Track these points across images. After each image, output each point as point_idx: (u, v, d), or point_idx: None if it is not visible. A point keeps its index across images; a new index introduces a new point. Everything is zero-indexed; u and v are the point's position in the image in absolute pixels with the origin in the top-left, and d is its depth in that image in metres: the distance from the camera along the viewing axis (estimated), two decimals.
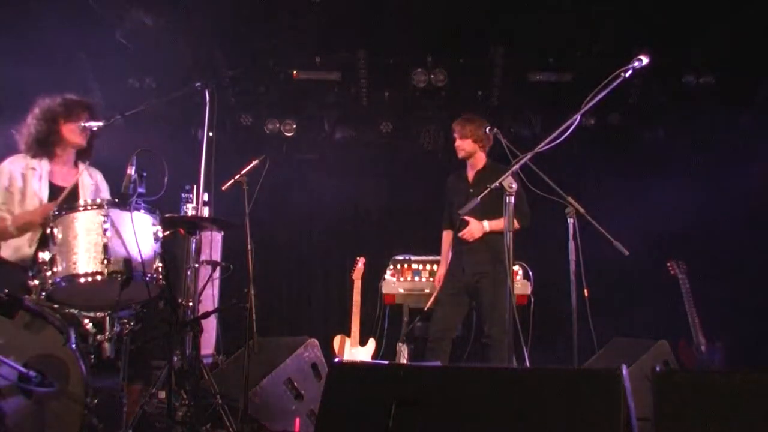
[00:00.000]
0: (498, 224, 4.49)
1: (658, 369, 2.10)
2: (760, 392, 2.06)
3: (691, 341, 5.16)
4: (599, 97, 3.23)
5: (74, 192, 3.69)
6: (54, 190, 3.61)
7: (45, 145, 3.63)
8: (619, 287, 6.42)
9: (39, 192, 3.55)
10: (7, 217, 3.46)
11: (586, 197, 3.75)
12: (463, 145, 4.70)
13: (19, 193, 3.53)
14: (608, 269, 5.03)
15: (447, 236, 4.92)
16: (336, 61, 6.32)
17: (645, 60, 3.18)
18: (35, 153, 3.62)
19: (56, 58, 5.45)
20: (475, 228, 4.54)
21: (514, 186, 3.46)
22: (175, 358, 3.48)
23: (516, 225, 4.53)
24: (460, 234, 4.58)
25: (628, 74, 3.19)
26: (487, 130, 4.43)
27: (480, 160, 4.74)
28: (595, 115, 6.41)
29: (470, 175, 4.77)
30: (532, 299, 5.13)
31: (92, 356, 2.93)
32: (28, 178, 3.55)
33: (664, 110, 6.44)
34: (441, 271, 4.88)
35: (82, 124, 3.65)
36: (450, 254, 4.80)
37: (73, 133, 3.67)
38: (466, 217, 4.49)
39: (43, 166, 3.61)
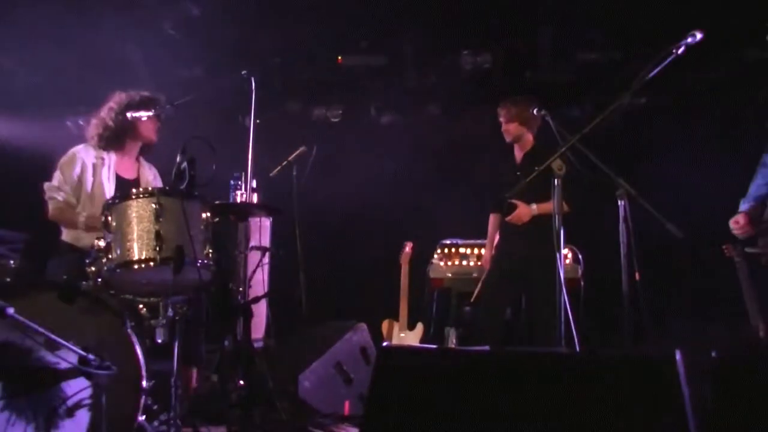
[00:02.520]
0: (547, 207, 4.36)
1: (714, 355, 2.04)
2: None
3: (748, 326, 5.01)
4: (651, 75, 3.13)
5: (136, 185, 3.83)
6: (120, 182, 3.74)
7: (118, 138, 3.77)
8: (673, 269, 6.26)
9: (107, 183, 3.69)
10: (82, 213, 3.61)
11: (637, 178, 3.65)
12: (510, 129, 4.63)
13: (88, 183, 3.67)
14: (660, 252, 4.92)
15: (494, 219, 4.88)
16: (381, 46, 6.29)
17: (699, 35, 3.06)
18: (105, 145, 3.76)
19: (107, 51, 5.56)
20: (524, 212, 4.47)
21: (564, 168, 3.40)
22: (227, 343, 3.55)
23: (565, 208, 4.46)
24: (507, 218, 4.52)
25: (680, 51, 3.08)
26: (535, 111, 4.35)
27: (528, 142, 4.67)
28: (647, 94, 6.24)
29: (518, 157, 4.71)
30: (582, 283, 5.05)
31: (146, 340, 3.01)
32: (98, 168, 3.69)
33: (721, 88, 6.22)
34: (487, 253, 4.86)
35: (143, 115, 3.75)
36: (496, 237, 4.76)
37: (148, 128, 3.83)
38: (515, 201, 4.44)
39: (111, 157, 3.75)
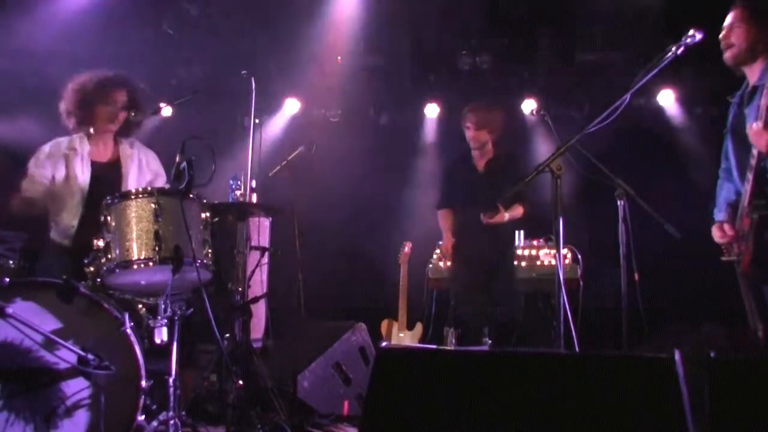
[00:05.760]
0: (515, 214, 4.62)
1: (713, 355, 2.04)
2: None
3: (747, 327, 5.01)
4: (649, 76, 3.13)
5: (117, 166, 3.76)
6: (96, 167, 3.68)
7: (83, 123, 3.70)
8: (671, 270, 6.26)
9: (80, 174, 3.62)
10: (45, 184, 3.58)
11: (636, 179, 3.66)
12: (480, 136, 4.68)
13: (60, 175, 3.61)
14: (659, 252, 4.92)
15: (446, 215, 4.91)
16: (380, 46, 6.30)
17: (698, 36, 3.06)
18: (74, 130, 3.70)
19: (104, 52, 5.56)
20: (501, 217, 4.59)
21: (563, 168, 3.40)
22: (226, 343, 3.55)
23: (521, 211, 4.55)
24: (488, 219, 4.55)
25: (680, 51, 3.08)
26: (534, 112, 4.40)
27: (489, 150, 4.74)
28: (644, 95, 6.25)
29: (480, 164, 4.74)
30: (581, 283, 5.06)
31: (145, 340, 3.01)
32: (70, 159, 3.64)
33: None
34: (448, 244, 4.91)
35: (120, 109, 3.69)
36: (451, 233, 4.80)
37: (107, 114, 3.70)
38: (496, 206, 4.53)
39: (84, 147, 3.68)
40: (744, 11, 3.11)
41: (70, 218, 3.59)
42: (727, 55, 3.15)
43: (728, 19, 3.16)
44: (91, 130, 3.71)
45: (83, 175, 3.65)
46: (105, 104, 3.70)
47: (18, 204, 3.56)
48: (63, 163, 3.64)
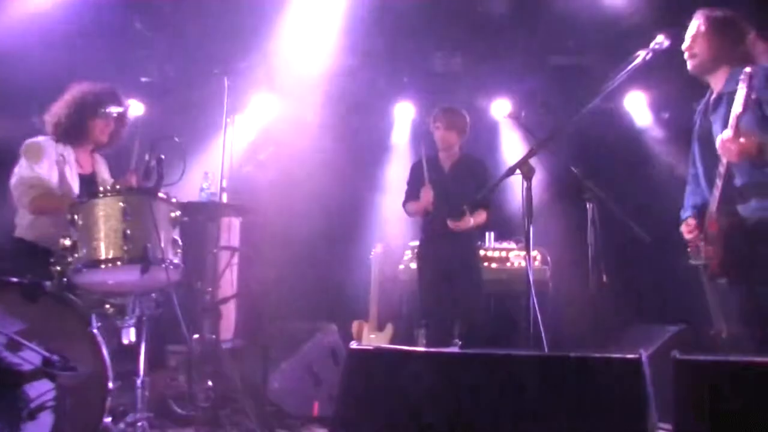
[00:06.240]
0: (479, 221, 4.63)
1: (678, 356, 2.08)
2: None
3: (711, 327, 5.10)
4: (619, 80, 3.18)
5: (93, 179, 3.74)
6: (81, 178, 3.65)
7: (71, 135, 3.64)
8: (638, 272, 6.36)
9: (72, 181, 3.58)
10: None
11: (605, 182, 3.71)
12: (450, 137, 4.70)
13: (54, 179, 3.53)
14: (627, 254, 4.99)
15: (412, 203, 4.88)
16: (354, 47, 6.29)
17: (666, 42, 3.12)
18: (60, 139, 3.63)
19: (76, 46, 5.48)
20: (466, 223, 4.57)
21: (533, 171, 3.43)
22: (195, 343, 3.52)
23: (485, 216, 4.59)
24: (454, 224, 4.57)
25: (648, 57, 3.13)
26: (507, 115, 4.43)
27: (456, 153, 4.76)
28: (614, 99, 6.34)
29: (446, 165, 4.78)
30: (550, 285, 5.10)
31: (113, 340, 2.97)
32: (61, 165, 3.59)
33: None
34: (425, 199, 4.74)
35: (105, 111, 3.64)
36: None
37: (99, 129, 3.68)
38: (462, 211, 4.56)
39: (70, 154, 3.64)
40: (705, 22, 3.17)
41: (53, 225, 3.47)
42: (691, 65, 3.22)
43: (691, 29, 3.22)
44: (81, 142, 3.67)
45: (74, 184, 3.60)
46: (100, 118, 3.66)
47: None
48: (56, 168, 3.57)
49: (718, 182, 3.02)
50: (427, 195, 4.65)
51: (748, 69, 2.93)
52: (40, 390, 2.69)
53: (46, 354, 2.67)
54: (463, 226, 4.57)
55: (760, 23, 3.28)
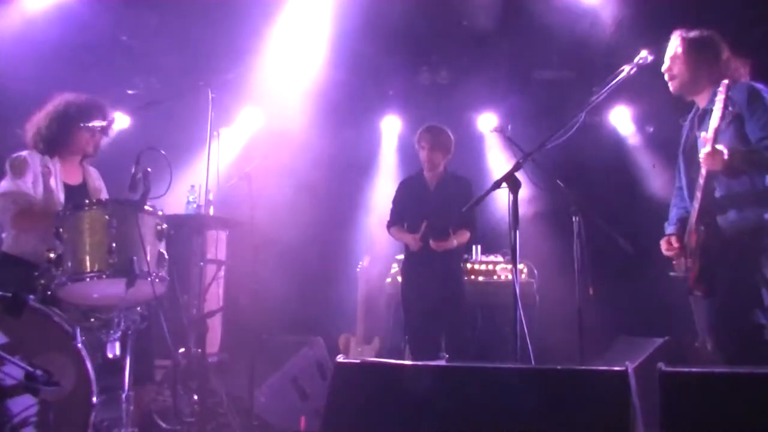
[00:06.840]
0: (462, 240, 4.64)
1: (663, 368, 2.09)
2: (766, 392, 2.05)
3: (697, 339, 5.13)
4: (603, 94, 3.21)
5: (84, 190, 3.70)
6: (68, 189, 3.59)
7: (53, 146, 3.59)
8: (624, 285, 6.39)
9: (57, 193, 3.53)
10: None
11: (590, 196, 3.74)
12: (435, 157, 4.70)
13: (39, 191, 3.48)
14: (613, 267, 5.02)
15: (398, 229, 4.87)
16: (341, 60, 6.31)
17: (650, 57, 3.16)
18: (44, 150, 3.58)
19: (63, 58, 5.46)
20: (448, 244, 4.58)
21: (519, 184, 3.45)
22: (181, 357, 3.49)
23: (467, 236, 4.60)
24: (437, 244, 4.57)
25: (632, 72, 3.17)
26: (493, 129, 4.45)
27: (441, 171, 4.78)
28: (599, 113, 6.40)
29: (431, 184, 4.79)
30: (537, 297, 5.12)
31: (98, 355, 2.94)
32: (46, 177, 3.54)
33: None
34: (415, 241, 4.71)
35: (90, 125, 3.60)
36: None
37: (83, 140, 3.63)
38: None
39: (56, 165, 3.58)
40: (683, 43, 3.22)
41: (38, 239, 3.43)
42: (672, 87, 3.27)
43: (669, 50, 3.26)
44: (65, 153, 3.61)
45: (58, 194, 3.54)
46: (85, 130, 3.61)
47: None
48: (40, 180, 3.51)
49: (698, 194, 3.06)
50: (416, 243, 4.65)
51: (725, 80, 2.98)
52: (23, 405, 2.66)
53: (29, 369, 2.63)
54: (446, 247, 4.57)
55: (739, 39, 3.34)
